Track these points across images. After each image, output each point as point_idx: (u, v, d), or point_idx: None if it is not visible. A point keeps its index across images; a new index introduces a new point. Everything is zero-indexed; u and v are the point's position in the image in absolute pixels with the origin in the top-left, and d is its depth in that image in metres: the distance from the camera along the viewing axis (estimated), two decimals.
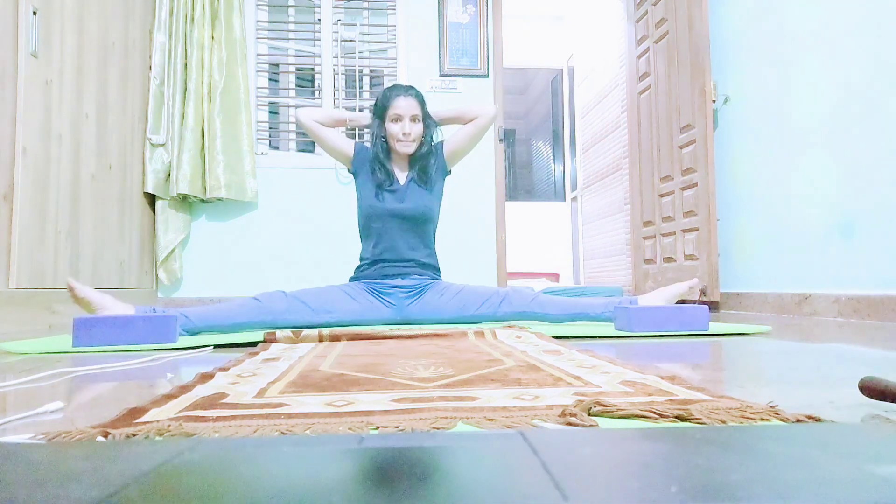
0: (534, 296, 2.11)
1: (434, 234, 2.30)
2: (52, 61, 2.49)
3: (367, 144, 2.30)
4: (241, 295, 3.62)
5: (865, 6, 2.39)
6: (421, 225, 2.20)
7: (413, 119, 2.15)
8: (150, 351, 1.48)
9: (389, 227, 2.18)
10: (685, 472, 0.41)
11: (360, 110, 3.93)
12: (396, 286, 2.14)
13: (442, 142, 2.31)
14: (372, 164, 2.22)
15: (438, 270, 2.29)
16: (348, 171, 2.32)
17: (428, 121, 2.22)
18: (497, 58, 3.96)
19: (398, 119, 2.14)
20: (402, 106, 2.13)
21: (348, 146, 2.28)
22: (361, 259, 2.26)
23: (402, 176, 2.25)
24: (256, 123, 3.79)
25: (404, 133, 2.14)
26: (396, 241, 2.18)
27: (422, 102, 2.19)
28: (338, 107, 3.86)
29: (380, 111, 2.19)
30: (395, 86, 2.21)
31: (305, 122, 2.24)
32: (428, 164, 2.23)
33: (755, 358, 1.30)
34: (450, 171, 2.33)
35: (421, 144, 2.21)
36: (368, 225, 2.21)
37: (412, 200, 2.19)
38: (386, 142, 2.20)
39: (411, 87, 2.20)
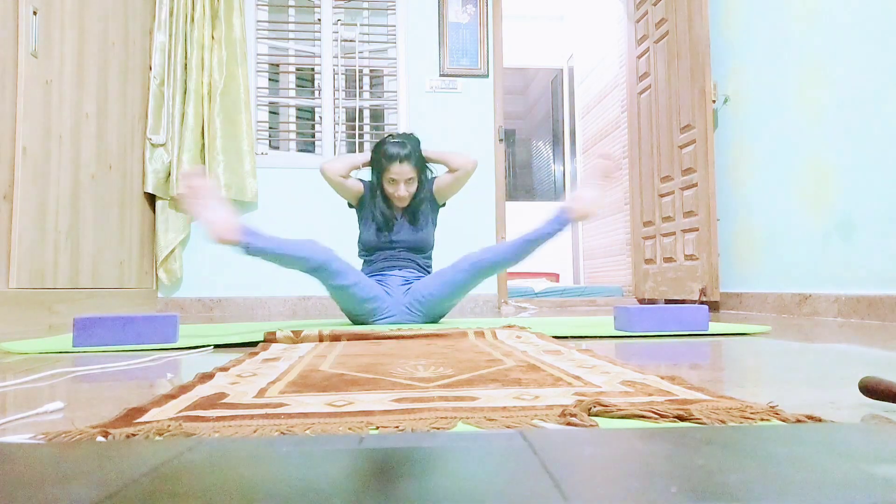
0: (485, 249, 2.21)
1: (431, 254, 2.43)
2: (52, 61, 2.49)
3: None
4: (241, 295, 3.64)
5: (865, 6, 2.39)
6: (417, 251, 2.36)
7: (408, 182, 2.24)
8: (150, 351, 1.48)
9: (387, 253, 2.33)
10: (685, 472, 0.41)
11: (360, 111, 3.94)
12: (395, 275, 2.28)
13: (434, 178, 2.39)
14: (372, 206, 2.33)
15: None
16: (349, 205, 2.43)
17: (423, 174, 2.30)
18: (497, 58, 3.96)
19: (394, 183, 2.24)
20: (398, 172, 2.21)
21: (360, 188, 2.38)
22: (362, 268, 2.38)
23: (398, 211, 2.36)
24: (256, 123, 3.79)
25: (399, 196, 2.25)
26: (394, 260, 2.33)
27: (417, 160, 2.24)
28: (337, 106, 3.86)
29: (377, 168, 2.27)
30: (391, 145, 2.23)
31: (331, 178, 2.32)
32: (420, 208, 2.34)
33: (755, 358, 1.30)
34: (443, 205, 2.44)
35: (416, 193, 2.30)
36: (367, 249, 2.37)
37: (407, 233, 2.33)
38: (384, 190, 2.29)
39: (405, 145, 2.22)
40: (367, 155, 2.40)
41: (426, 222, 2.36)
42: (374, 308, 2.16)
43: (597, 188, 2.12)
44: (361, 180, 2.39)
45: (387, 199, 2.31)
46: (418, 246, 2.34)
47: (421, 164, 2.27)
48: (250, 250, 1.87)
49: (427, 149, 2.35)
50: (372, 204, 2.32)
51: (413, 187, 2.27)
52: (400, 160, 2.19)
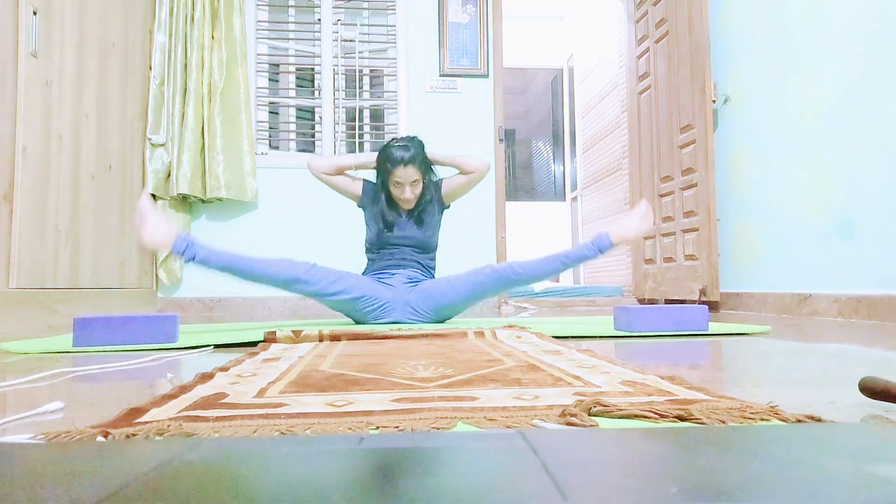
0: (513, 261, 2.25)
1: (434, 255, 2.44)
2: (52, 61, 2.49)
3: (374, 181, 2.40)
4: (241, 295, 3.64)
5: (864, 6, 2.39)
6: (421, 249, 2.37)
7: (413, 184, 2.25)
8: (150, 351, 1.48)
9: (393, 251, 2.34)
10: (685, 472, 0.41)
11: (360, 111, 3.94)
12: (399, 273, 2.30)
13: (441, 180, 2.40)
14: (377, 206, 2.35)
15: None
16: (357, 205, 2.42)
17: (428, 175, 2.32)
18: (497, 58, 3.96)
19: (399, 186, 2.25)
20: (403, 175, 2.22)
21: (357, 187, 2.40)
22: (366, 267, 2.41)
23: (403, 212, 2.37)
24: (256, 123, 3.79)
25: (405, 198, 2.27)
26: (399, 258, 2.33)
27: (422, 162, 2.24)
28: (337, 107, 3.86)
29: (382, 171, 2.28)
30: (395, 148, 2.23)
31: (316, 175, 2.37)
32: (426, 209, 2.36)
33: (755, 358, 1.30)
34: (448, 206, 2.45)
35: (421, 195, 2.31)
36: (373, 249, 2.38)
37: (412, 231, 2.35)
38: (389, 192, 2.31)
39: (409, 148, 2.22)
40: (361, 157, 2.40)
41: (431, 222, 2.38)
42: (370, 308, 2.17)
43: (642, 219, 2.15)
44: (365, 180, 2.40)
45: (391, 201, 2.32)
46: (423, 245, 2.35)
47: (425, 166, 2.28)
48: (195, 259, 2.00)
49: (436, 151, 2.35)
50: (376, 206, 2.34)
51: (418, 189, 2.28)
52: (405, 163, 2.20)
